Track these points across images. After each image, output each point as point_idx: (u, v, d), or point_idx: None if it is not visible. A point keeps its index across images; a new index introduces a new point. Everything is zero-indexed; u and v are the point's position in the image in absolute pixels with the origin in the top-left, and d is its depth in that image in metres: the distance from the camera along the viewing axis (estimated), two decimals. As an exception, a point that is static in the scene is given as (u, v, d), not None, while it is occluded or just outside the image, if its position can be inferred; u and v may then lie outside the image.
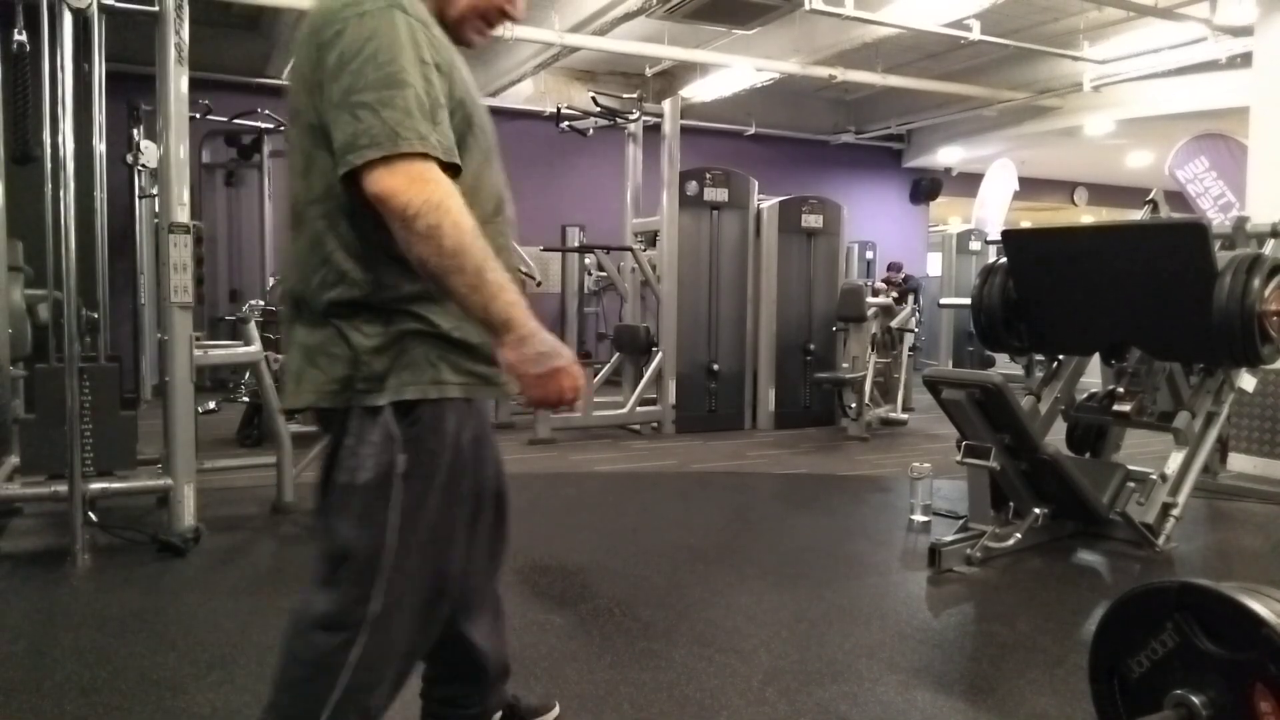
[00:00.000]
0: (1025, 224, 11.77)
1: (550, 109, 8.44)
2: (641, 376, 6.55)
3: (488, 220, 1.38)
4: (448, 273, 1.21)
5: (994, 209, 11.47)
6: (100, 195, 3.95)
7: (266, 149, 8.55)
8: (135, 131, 7.18)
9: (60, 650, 2.51)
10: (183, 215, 3.43)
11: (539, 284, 9.01)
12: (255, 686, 2.29)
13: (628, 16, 6.62)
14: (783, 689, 2.31)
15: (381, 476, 1.33)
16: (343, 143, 1.23)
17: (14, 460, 3.66)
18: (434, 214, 1.19)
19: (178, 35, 3.36)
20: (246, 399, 5.87)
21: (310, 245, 1.35)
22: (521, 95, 9.36)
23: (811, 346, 6.95)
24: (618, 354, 7.04)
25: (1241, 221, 4.12)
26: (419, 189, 1.20)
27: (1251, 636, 1.44)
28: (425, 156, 1.22)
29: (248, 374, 5.99)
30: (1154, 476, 3.63)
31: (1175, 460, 3.64)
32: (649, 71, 9.70)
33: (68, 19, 3.30)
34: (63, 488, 3.31)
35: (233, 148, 8.56)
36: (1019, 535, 3.45)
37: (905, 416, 6.93)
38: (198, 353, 3.52)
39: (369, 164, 1.21)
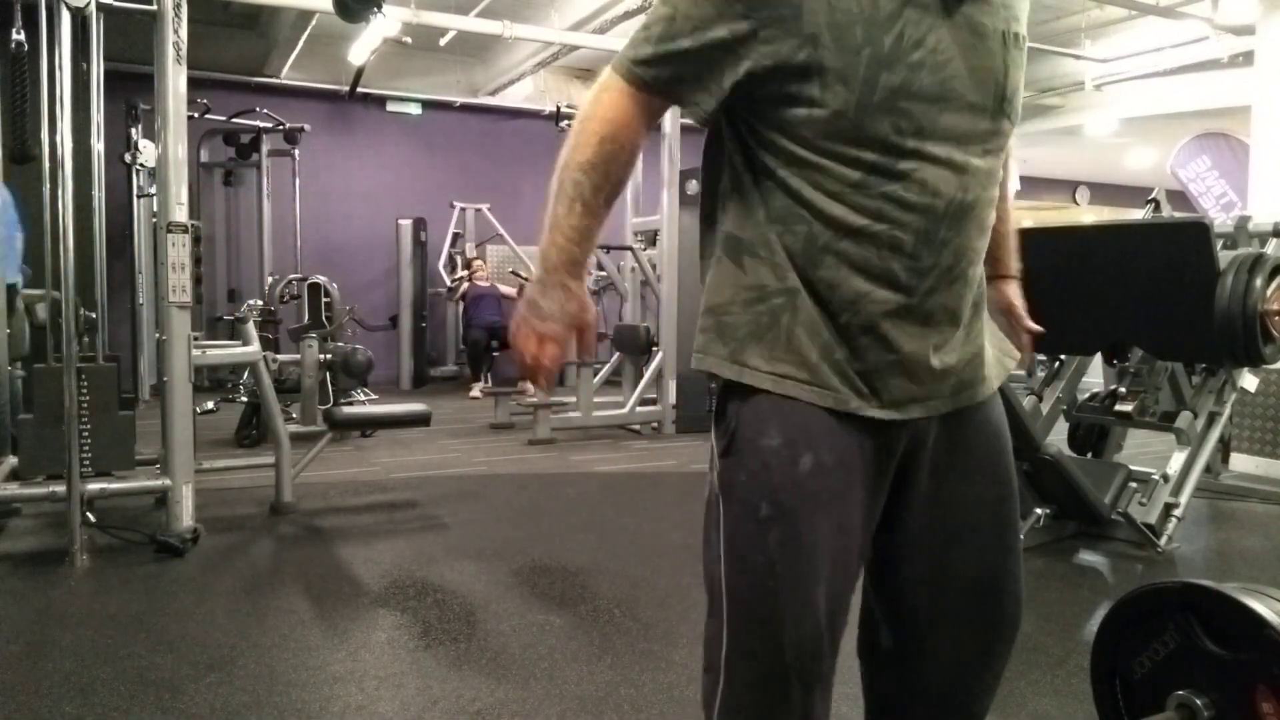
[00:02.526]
0: (1027, 223, 11.73)
1: (550, 108, 8.44)
2: (641, 376, 6.55)
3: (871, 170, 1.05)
4: None
5: (994, 208, 11.43)
6: (98, 195, 3.94)
7: (265, 148, 8.54)
8: (133, 131, 7.17)
9: (58, 650, 2.50)
10: (181, 214, 3.42)
11: (534, 281, 9.01)
12: (253, 687, 2.28)
13: (628, 15, 6.60)
14: (783, 690, 2.30)
15: (711, 485, 1.15)
16: None
17: (12, 460, 3.66)
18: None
19: (176, 34, 3.36)
20: (245, 399, 5.86)
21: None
22: (521, 94, 9.35)
23: (812, 346, 6.93)
24: (618, 354, 7.04)
25: (1243, 221, 4.11)
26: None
27: (1254, 637, 1.43)
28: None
29: (246, 374, 5.99)
30: (1156, 477, 3.62)
31: (1177, 460, 3.63)
32: (649, 71, 9.69)
33: (66, 18, 3.29)
34: (61, 488, 3.30)
35: (231, 147, 8.55)
36: (1020, 536, 3.44)
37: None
38: (196, 352, 3.52)
39: None
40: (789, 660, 1.07)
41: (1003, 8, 1.10)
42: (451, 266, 9.22)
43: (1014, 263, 1.48)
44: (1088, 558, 3.58)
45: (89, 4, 3.37)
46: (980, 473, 1.21)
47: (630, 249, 6.87)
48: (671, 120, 6.63)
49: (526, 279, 8.79)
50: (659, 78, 1.08)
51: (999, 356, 1.26)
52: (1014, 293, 1.48)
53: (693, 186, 6.69)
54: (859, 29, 1.01)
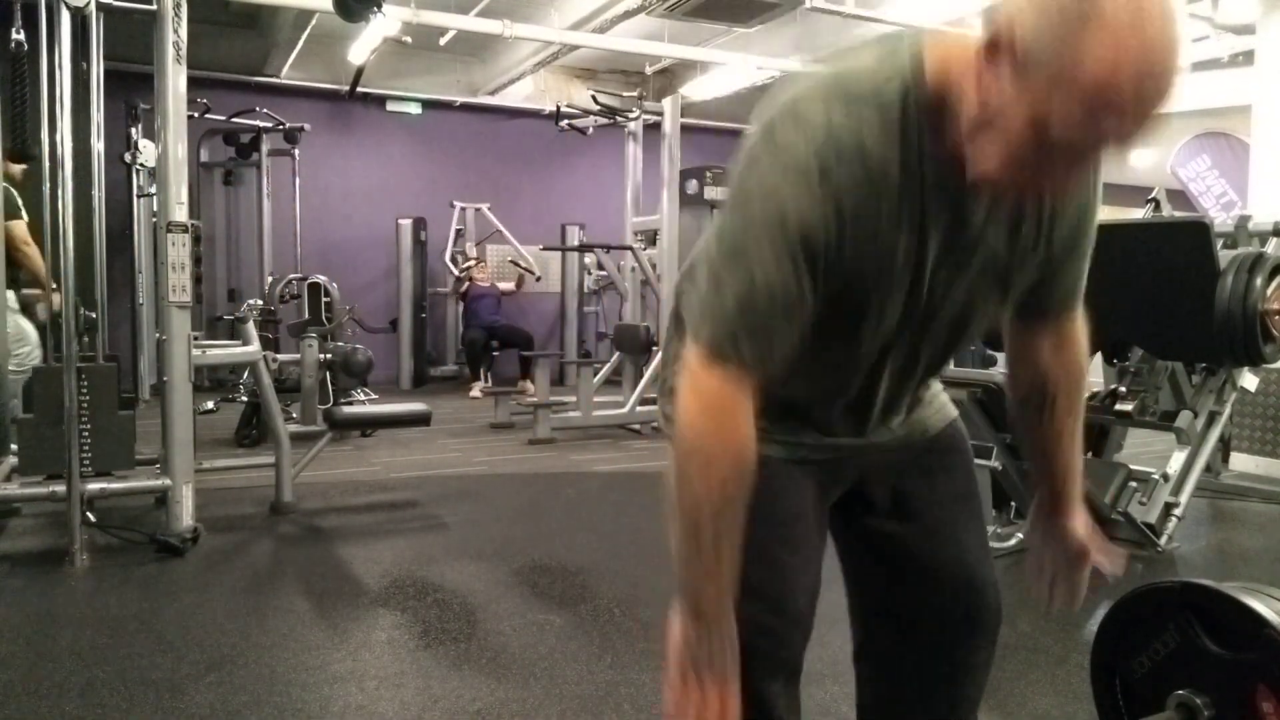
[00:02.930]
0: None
1: (550, 107, 8.43)
2: (641, 376, 6.54)
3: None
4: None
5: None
6: (98, 194, 3.94)
7: (264, 148, 8.53)
8: (133, 130, 7.16)
9: (58, 650, 2.50)
10: (181, 214, 3.42)
11: (538, 278, 9.03)
12: (254, 686, 2.28)
13: (627, 14, 6.60)
14: (783, 689, 2.30)
15: None
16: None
17: (12, 460, 3.66)
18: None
19: (176, 34, 3.35)
20: (245, 399, 5.86)
21: None
22: (521, 94, 9.34)
23: (812, 345, 6.93)
24: (618, 354, 7.03)
25: (1244, 220, 4.11)
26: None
27: (1254, 637, 1.43)
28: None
29: (246, 374, 5.99)
30: (1156, 476, 3.62)
31: (1177, 460, 3.63)
32: (649, 70, 9.68)
33: (66, 18, 3.29)
34: (61, 488, 3.30)
35: (231, 147, 8.55)
36: (1020, 535, 3.44)
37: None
38: (196, 352, 3.52)
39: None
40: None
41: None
42: (454, 264, 9.23)
43: (1080, 486, 1.32)
44: (1088, 557, 3.57)
45: (89, 4, 3.37)
46: (943, 470, 1.31)
47: (630, 249, 6.87)
48: (671, 120, 6.64)
49: (526, 269, 8.83)
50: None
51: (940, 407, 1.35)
52: (1079, 530, 1.29)
53: (692, 186, 6.70)
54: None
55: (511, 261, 8.82)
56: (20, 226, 4.23)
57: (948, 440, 1.33)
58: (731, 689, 1.05)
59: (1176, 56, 0.90)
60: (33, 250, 4.22)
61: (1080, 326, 1.26)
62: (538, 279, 9.03)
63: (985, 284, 1.11)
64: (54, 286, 4.17)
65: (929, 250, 1.05)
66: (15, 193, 4.25)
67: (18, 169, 4.29)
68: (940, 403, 1.35)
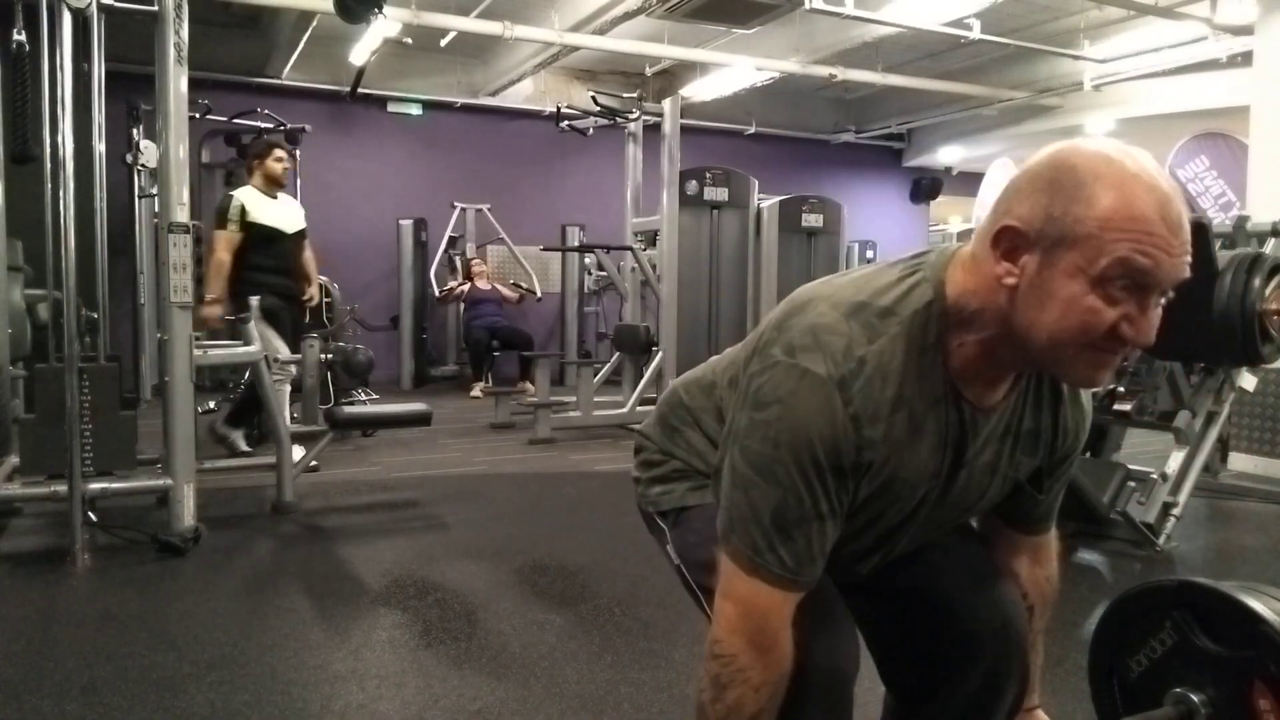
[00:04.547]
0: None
1: (550, 108, 8.44)
2: (641, 376, 6.54)
3: None
4: None
5: (994, 208, 11.43)
6: (100, 195, 3.95)
7: (266, 149, 8.53)
8: (135, 131, 7.17)
9: (60, 650, 2.50)
10: (182, 215, 3.43)
11: (539, 299, 9.02)
12: (255, 686, 2.29)
13: (627, 16, 6.61)
14: (782, 688, 2.30)
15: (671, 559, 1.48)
16: None
17: (14, 460, 3.67)
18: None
19: (177, 35, 3.36)
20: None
21: None
22: (521, 95, 9.36)
23: (812, 346, 6.93)
24: (618, 354, 7.04)
25: (1242, 220, 4.12)
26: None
27: (1250, 634, 1.44)
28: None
29: (247, 374, 5.99)
30: (1154, 476, 3.63)
31: (1176, 460, 3.64)
32: (649, 71, 9.70)
33: (67, 19, 3.29)
34: (62, 488, 3.31)
35: (232, 147, 8.54)
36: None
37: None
38: (197, 352, 3.52)
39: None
40: None
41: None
42: (451, 268, 9.21)
43: (1038, 694, 1.46)
44: (1086, 557, 3.58)
45: (90, 5, 3.38)
46: None
47: (630, 249, 6.87)
48: (671, 121, 6.64)
49: (528, 290, 8.82)
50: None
51: None
52: None
53: (692, 187, 6.70)
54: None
55: (514, 284, 8.83)
56: (215, 235, 4.79)
57: None
58: None
59: (1169, 184, 0.94)
60: (212, 258, 4.77)
61: (1053, 543, 1.35)
62: (539, 300, 9.03)
63: (988, 485, 1.16)
64: (214, 296, 4.76)
65: (943, 462, 1.09)
66: (243, 205, 4.80)
67: (260, 177, 4.97)
68: None
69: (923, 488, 1.09)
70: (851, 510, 1.06)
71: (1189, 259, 0.95)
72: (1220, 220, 6.97)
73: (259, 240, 4.84)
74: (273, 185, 5.02)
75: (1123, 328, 0.95)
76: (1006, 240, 0.95)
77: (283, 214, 5.04)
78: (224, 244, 4.77)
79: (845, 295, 1.04)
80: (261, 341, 4.28)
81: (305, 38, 7.67)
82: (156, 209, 4.57)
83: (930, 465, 1.08)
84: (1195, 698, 1.51)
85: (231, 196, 4.90)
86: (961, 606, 1.26)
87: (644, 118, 7.32)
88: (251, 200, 4.87)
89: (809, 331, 1.01)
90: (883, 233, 11.96)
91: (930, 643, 1.28)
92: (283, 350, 4.81)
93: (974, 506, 1.20)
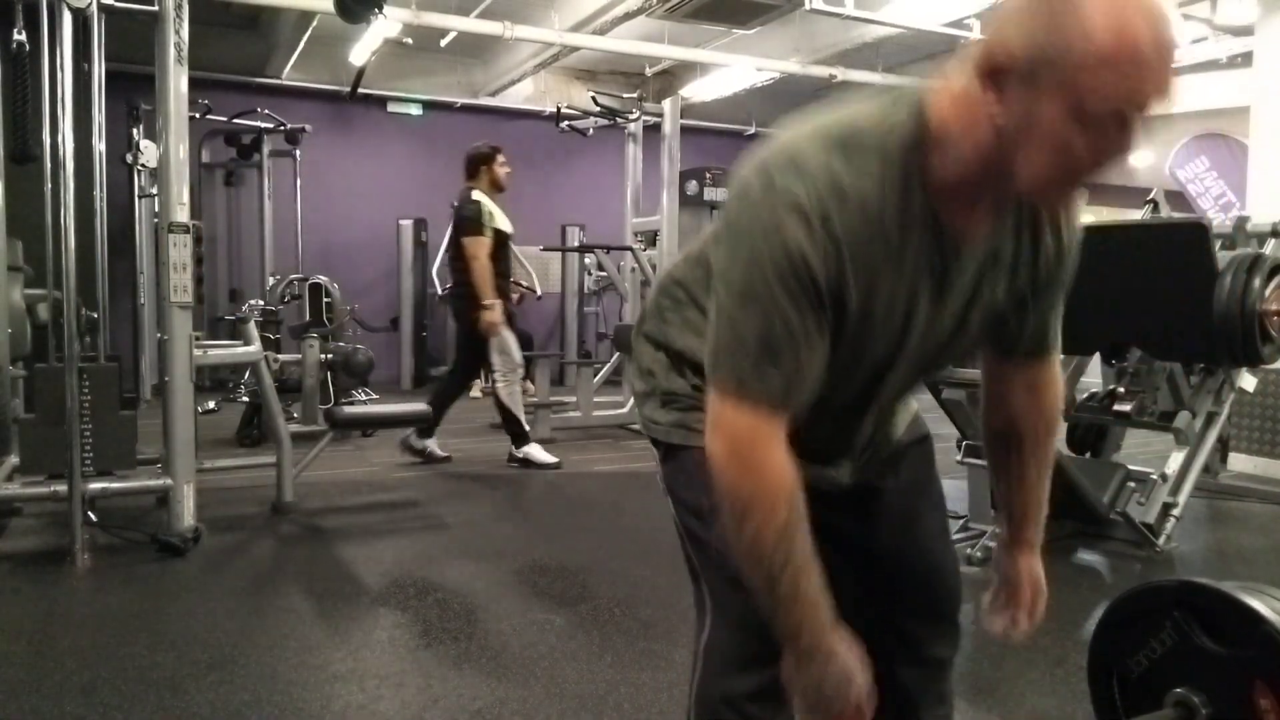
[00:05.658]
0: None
1: (550, 108, 8.43)
2: (641, 376, 6.53)
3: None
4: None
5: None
6: (100, 195, 3.95)
7: (266, 149, 8.55)
8: (135, 131, 7.17)
9: (60, 650, 2.51)
10: (182, 215, 3.43)
11: (539, 297, 9.01)
12: (255, 685, 2.29)
13: (627, 16, 6.61)
14: (782, 688, 2.30)
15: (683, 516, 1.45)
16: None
17: (14, 460, 3.66)
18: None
19: (177, 35, 3.36)
20: (246, 399, 5.87)
21: None
22: (521, 95, 9.35)
23: (812, 346, 6.93)
24: (618, 354, 7.04)
25: (1242, 221, 4.12)
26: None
27: (1251, 634, 1.44)
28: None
29: (247, 374, 5.99)
30: (1154, 476, 3.63)
31: (1175, 460, 3.64)
32: (649, 71, 9.70)
33: (67, 18, 3.30)
34: (62, 487, 3.31)
35: (232, 147, 8.56)
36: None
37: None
38: (197, 352, 3.52)
39: None
40: None
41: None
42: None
43: (1037, 531, 1.44)
44: (1086, 557, 3.58)
45: (90, 4, 3.38)
46: (903, 459, 1.39)
47: (630, 249, 6.87)
48: (671, 121, 6.64)
49: (528, 288, 8.81)
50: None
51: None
52: (1027, 569, 1.42)
53: (692, 187, 6.70)
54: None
55: (515, 282, 8.83)
56: (473, 242, 4.83)
57: (910, 435, 1.40)
58: (852, 708, 1.07)
59: (1164, 6, 0.91)
60: (477, 265, 4.80)
61: (1055, 373, 1.30)
62: (539, 298, 9.02)
63: (970, 316, 1.13)
64: (490, 301, 4.79)
65: (924, 292, 1.07)
66: (489, 210, 4.86)
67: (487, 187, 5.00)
68: (911, 414, 1.43)
69: (905, 316, 1.08)
70: (836, 341, 1.05)
71: (1175, 85, 0.93)
72: (1220, 221, 6.97)
73: (495, 244, 4.91)
74: (498, 189, 5.04)
75: (1103, 158, 0.95)
76: (993, 72, 0.93)
77: (505, 217, 5.07)
78: (484, 249, 4.82)
79: (824, 125, 1.03)
80: (502, 343, 4.58)
81: (305, 38, 7.66)
82: (156, 209, 4.57)
83: (912, 292, 1.06)
84: (1196, 698, 1.51)
85: (477, 203, 4.91)
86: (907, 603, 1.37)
87: (644, 118, 7.32)
88: (488, 205, 4.92)
89: (788, 160, 1.00)
90: (883, 233, 11.97)
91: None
92: (515, 352, 4.92)
93: (959, 342, 1.17)
